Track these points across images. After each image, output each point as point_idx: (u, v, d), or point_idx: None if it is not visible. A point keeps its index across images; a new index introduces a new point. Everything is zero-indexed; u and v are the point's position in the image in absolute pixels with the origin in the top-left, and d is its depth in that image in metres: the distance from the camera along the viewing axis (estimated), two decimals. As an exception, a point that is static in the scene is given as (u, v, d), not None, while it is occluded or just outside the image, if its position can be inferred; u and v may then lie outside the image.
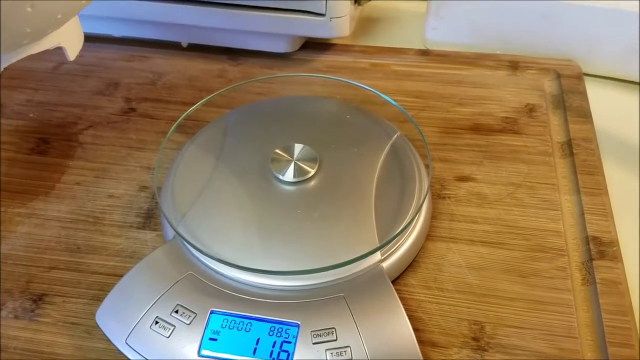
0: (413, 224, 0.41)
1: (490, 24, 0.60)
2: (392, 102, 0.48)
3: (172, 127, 0.47)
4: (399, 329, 0.35)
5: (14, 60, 0.41)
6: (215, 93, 0.50)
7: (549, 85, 0.56)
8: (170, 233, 0.41)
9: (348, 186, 0.42)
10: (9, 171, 0.49)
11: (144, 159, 0.50)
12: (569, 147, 0.49)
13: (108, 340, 0.35)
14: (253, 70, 0.59)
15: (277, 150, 0.43)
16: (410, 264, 0.41)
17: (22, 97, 0.56)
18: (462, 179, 0.47)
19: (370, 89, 0.49)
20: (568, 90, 0.55)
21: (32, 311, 0.39)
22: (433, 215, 0.44)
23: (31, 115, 0.54)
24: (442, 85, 0.56)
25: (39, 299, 0.40)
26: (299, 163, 0.43)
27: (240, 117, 0.49)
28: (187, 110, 0.48)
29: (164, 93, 0.56)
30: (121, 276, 0.38)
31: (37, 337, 0.38)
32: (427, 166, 0.44)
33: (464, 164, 0.48)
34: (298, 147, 0.44)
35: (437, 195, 0.46)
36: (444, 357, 0.37)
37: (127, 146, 0.51)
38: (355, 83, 0.51)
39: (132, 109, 0.55)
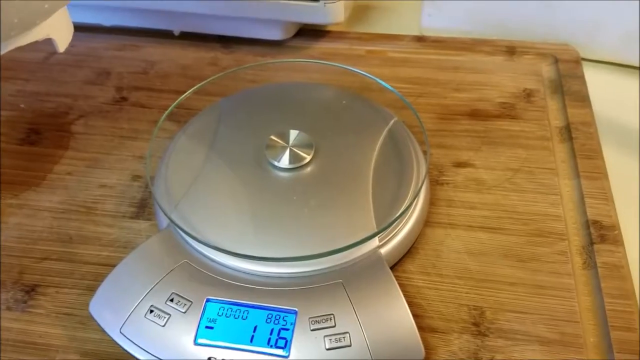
0: (411, 210, 0.40)
1: (487, 9, 0.59)
2: (390, 88, 0.47)
3: (164, 116, 0.46)
4: (398, 314, 0.34)
5: (2, 52, 0.40)
6: (207, 80, 0.49)
7: (546, 70, 0.55)
8: (164, 222, 0.40)
9: (345, 172, 0.42)
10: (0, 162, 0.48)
11: (136, 148, 0.49)
12: (567, 132, 0.49)
13: (102, 330, 0.35)
14: (246, 58, 0.58)
15: (272, 137, 0.43)
16: (409, 251, 0.41)
17: (13, 88, 0.55)
18: (460, 164, 0.46)
19: (368, 74, 0.48)
20: (566, 74, 0.54)
21: (25, 302, 0.39)
22: (431, 202, 0.43)
23: (22, 105, 0.53)
24: (438, 71, 0.55)
25: (31, 290, 0.39)
26: (294, 149, 0.42)
27: (234, 104, 0.48)
28: (179, 97, 0.47)
29: (156, 82, 0.55)
30: (114, 266, 0.37)
31: (31, 328, 0.38)
32: (424, 152, 0.43)
33: (461, 149, 0.47)
34: (293, 134, 0.43)
35: (435, 181, 0.45)
36: (444, 343, 0.36)
37: (119, 135, 0.50)
38: (353, 69, 0.50)
39: (124, 98, 0.54)
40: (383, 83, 0.47)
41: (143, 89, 0.55)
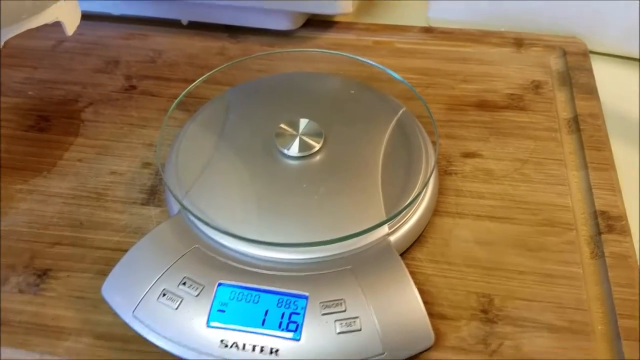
0: (420, 199, 0.41)
1: (494, 1, 0.59)
2: (400, 78, 0.47)
3: (174, 104, 0.46)
4: (408, 299, 0.35)
5: (11, 35, 0.40)
6: (217, 69, 0.49)
7: (554, 62, 0.55)
8: (175, 208, 0.40)
9: (354, 161, 0.42)
10: (9, 148, 0.48)
11: (146, 136, 0.49)
12: (575, 123, 0.49)
13: (115, 313, 0.35)
14: (254, 48, 0.58)
15: (282, 125, 0.43)
16: (418, 239, 0.41)
17: (21, 75, 0.55)
18: (468, 155, 0.47)
19: (377, 64, 0.49)
20: (574, 67, 0.54)
21: (37, 286, 0.39)
22: (439, 191, 0.44)
23: (30, 93, 0.53)
24: (446, 62, 0.55)
25: (43, 274, 0.40)
26: (304, 138, 0.42)
27: (243, 93, 0.49)
28: (188, 87, 0.47)
29: (164, 71, 0.56)
30: (126, 251, 0.37)
31: (43, 311, 0.38)
32: (434, 143, 0.43)
33: (470, 140, 0.48)
34: (303, 122, 0.43)
35: (444, 171, 0.45)
36: (452, 329, 0.36)
37: (129, 123, 0.50)
38: (362, 59, 0.50)
39: (133, 87, 0.54)
40: (393, 73, 0.47)
41: (151, 77, 0.55)
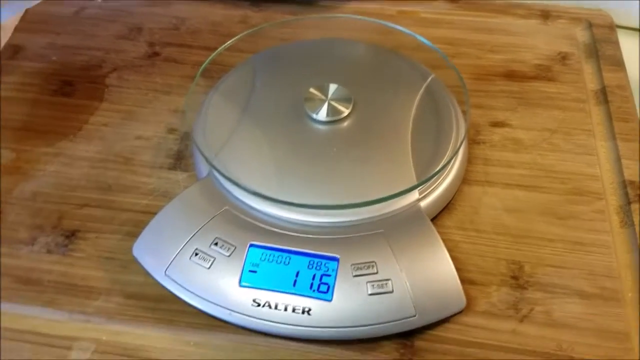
0: (450, 166, 0.40)
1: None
2: (430, 44, 0.47)
3: (200, 69, 0.46)
4: (440, 262, 0.35)
5: None
6: (241, 34, 0.49)
7: (580, 34, 0.55)
8: (204, 172, 0.40)
9: (383, 126, 0.42)
10: (33, 112, 0.48)
11: (170, 102, 0.49)
12: (603, 95, 0.48)
13: (146, 272, 0.35)
14: (276, 17, 0.58)
15: (311, 90, 0.43)
16: (447, 207, 0.41)
17: (44, 41, 0.55)
18: (497, 124, 0.46)
19: (409, 31, 0.48)
20: (600, 39, 0.54)
21: (65, 246, 0.39)
22: (468, 160, 0.43)
23: (54, 58, 0.53)
24: (472, 32, 0.54)
25: (71, 235, 0.40)
26: (333, 103, 0.42)
27: (269, 59, 0.48)
28: (211, 54, 0.47)
29: (187, 38, 0.55)
30: (155, 214, 0.37)
31: (71, 271, 0.38)
32: (464, 112, 0.43)
33: (498, 109, 0.47)
34: (332, 87, 0.43)
35: (472, 140, 0.45)
36: (483, 295, 0.36)
37: (153, 89, 0.50)
38: (394, 25, 0.49)
39: (156, 53, 0.53)
40: (423, 40, 0.47)
41: (174, 44, 0.54)
